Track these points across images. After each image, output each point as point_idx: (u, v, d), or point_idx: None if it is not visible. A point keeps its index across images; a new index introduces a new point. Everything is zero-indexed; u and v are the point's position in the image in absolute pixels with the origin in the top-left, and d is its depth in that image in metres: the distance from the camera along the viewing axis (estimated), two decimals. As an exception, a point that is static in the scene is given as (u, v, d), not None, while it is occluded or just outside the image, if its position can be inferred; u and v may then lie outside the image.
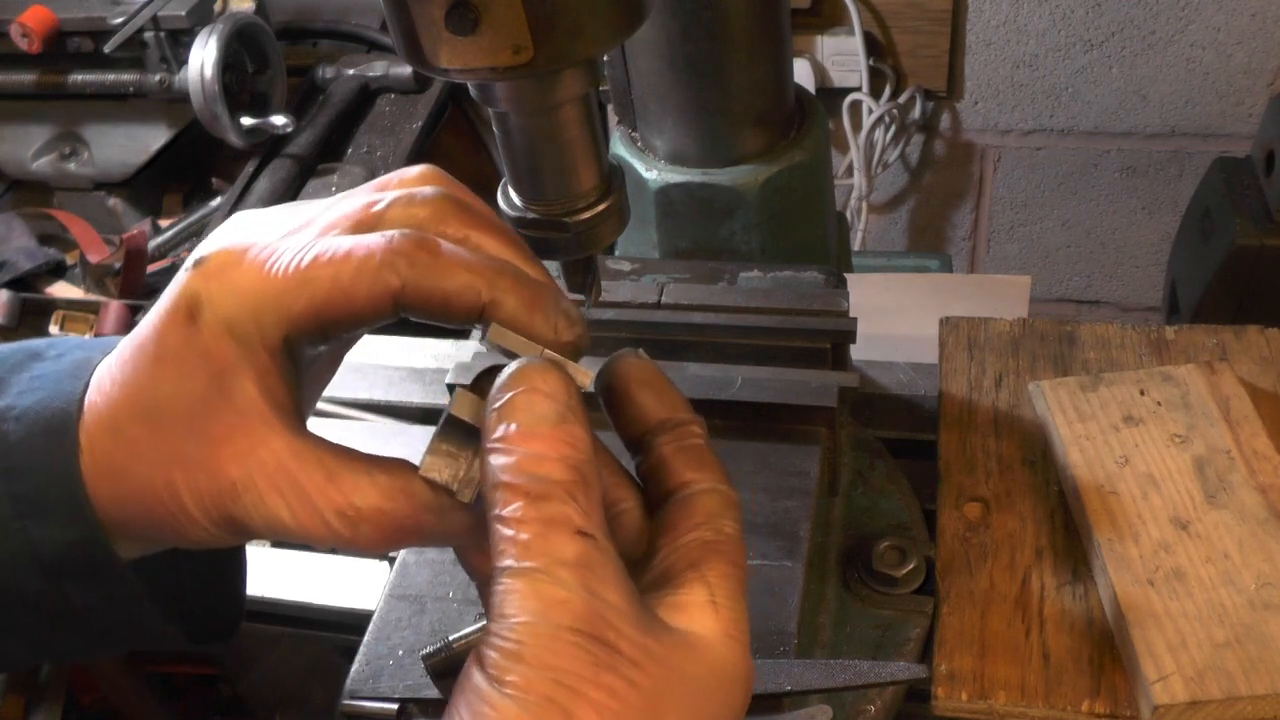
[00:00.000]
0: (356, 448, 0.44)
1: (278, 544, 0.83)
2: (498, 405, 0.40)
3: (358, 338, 0.49)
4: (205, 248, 0.44)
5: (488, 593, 0.41)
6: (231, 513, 0.42)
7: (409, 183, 0.45)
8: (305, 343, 0.43)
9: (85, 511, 0.43)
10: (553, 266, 0.56)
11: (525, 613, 0.37)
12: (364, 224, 0.43)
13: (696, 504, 0.43)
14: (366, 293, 0.41)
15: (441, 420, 0.43)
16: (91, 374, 0.45)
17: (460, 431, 0.43)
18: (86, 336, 1.19)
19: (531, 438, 0.39)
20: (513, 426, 0.39)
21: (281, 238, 0.43)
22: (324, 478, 0.42)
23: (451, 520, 0.43)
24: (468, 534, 0.44)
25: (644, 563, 0.43)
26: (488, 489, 0.39)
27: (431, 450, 0.43)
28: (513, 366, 0.41)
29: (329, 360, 0.50)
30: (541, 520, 0.38)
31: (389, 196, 0.44)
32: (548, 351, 0.42)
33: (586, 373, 0.43)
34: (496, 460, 0.39)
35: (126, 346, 0.44)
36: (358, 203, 0.44)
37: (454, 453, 0.43)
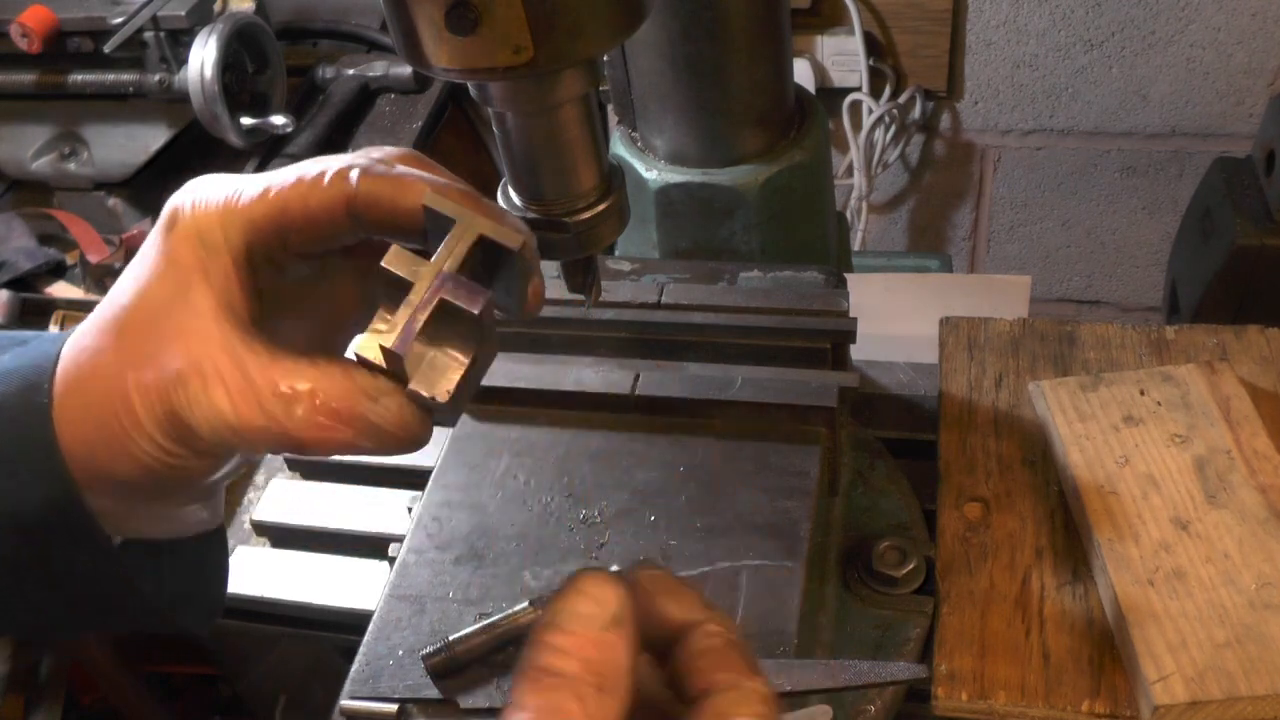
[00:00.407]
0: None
1: (278, 544, 0.83)
2: (551, 605, 0.40)
3: (330, 270, 0.50)
4: (192, 181, 0.47)
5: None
6: (173, 407, 0.43)
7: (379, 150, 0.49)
8: (269, 251, 0.46)
9: (55, 461, 0.44)
10: (553, 266, 0.56)
11: None
12: (330, 162, 0.46)
13: (713, 706, 0.41)
14: (322, 198, 0.44)
15: (380, 288, 0.43)
16: (68, 338, 0.47)
17: (393, 296, 0.42)
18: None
19: (564, 636, 0.39)
20: (553, 624, 0.39)
21: (259, 173, 0.47)
22: (267, 360, 0.43)
23: (388, 405, 0.43)
24: (404, 423, 0.44)
25: None
26: (514, 676, 0.39)
27: (367, 331, 0.43)
28: (574, 578, 0.41)
29: (302, 289, 0.51)
30: (537, 708, 0.37)
31: (355, 154, 0.48)
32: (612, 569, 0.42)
33: (467, 213, 0.44)
34: (529, 652, 0.39)
35: (110, 293, 0.47)
36: (328, 158, 0.47)
37: (386, 325, 0.42)
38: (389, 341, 0.42)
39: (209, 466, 0.47)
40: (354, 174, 0.44)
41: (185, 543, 0.52)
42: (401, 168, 0.45)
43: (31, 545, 0.46)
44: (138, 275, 0.46)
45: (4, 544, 0.45)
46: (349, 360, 0.44)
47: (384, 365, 0.43)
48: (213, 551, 0.55)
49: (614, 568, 0.44)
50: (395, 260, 0.43)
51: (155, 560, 0.51)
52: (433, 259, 0.43)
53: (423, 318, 0.42)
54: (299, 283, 0.49)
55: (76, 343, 0.46)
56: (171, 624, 0.51)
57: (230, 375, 0.43)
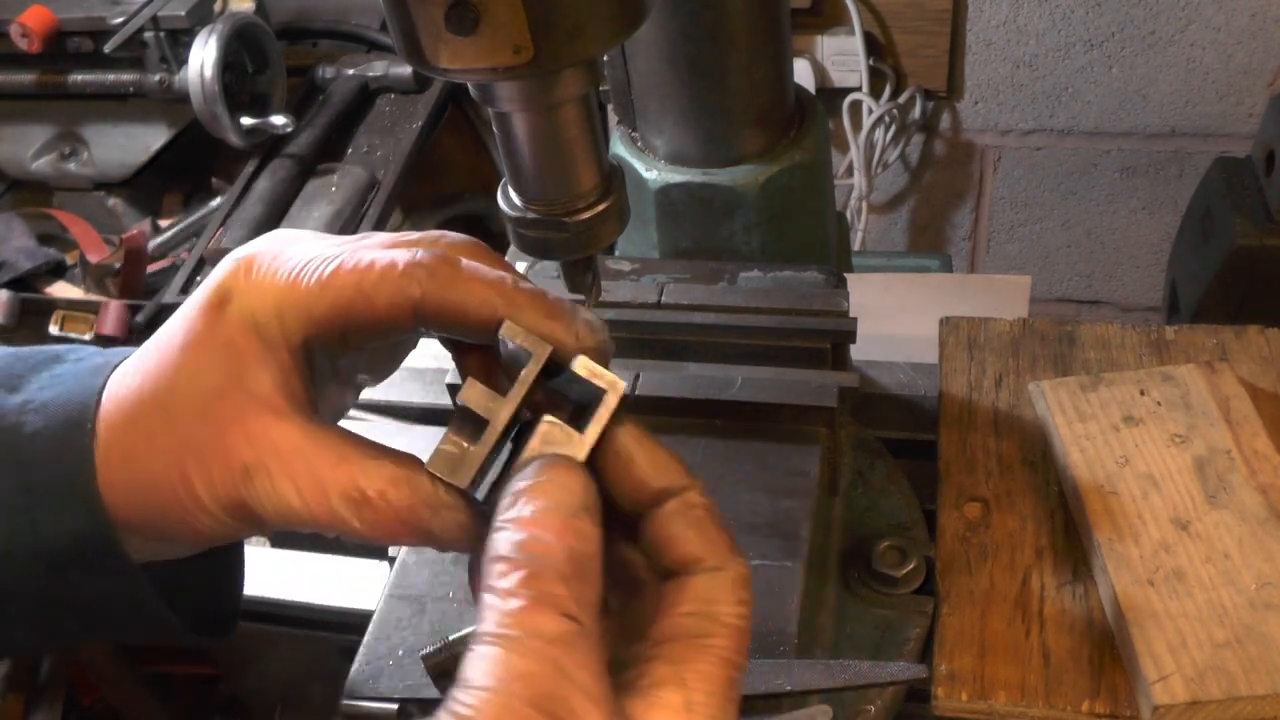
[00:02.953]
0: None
1: (278, 544, 0.83)
2: (516, 488, 0.41)
3: (386, 367, 0.51)
4: (245, 247, 0.46)
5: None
6: (242, 497, 0.43)
7: (439, 234, 0.48)
8: (327, 346, 0.45)
9: (94, 503, 0.44)
10: (552, 266, 0.56)
11: (487, 680, 0.36)
12: (393, 246, 0.45)
13: (692, 589, 0.41)
14: (387, 300, 0.43)
15: (454, 414, 0.44)
16: (112, 371, 0.46)
17: (469, 425, 0.43)
18: (81, 337, 1.19)
19: (541, 524, 0.39)
20: (526, 510, 0.40)
21: (316, 248, 0.45)
22: (335, 459, 0.43)
23: (448, 519, 0.44)
24: (464, 536, 0.44)
25: (634, 649, 0.41)
26: (487, 561, 0.39)
27: (439, 447, 0.44)
28: (538, 461, 0.42)
29: (354, 384, 0.52)
30: (529, 595, 0.37)
31: (420, 234, 0.47)
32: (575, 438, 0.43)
33: (619, 380, 0.43)
34: (502, 535, 0.39)
35: (153, 340, 0.46)
36: (390, 235, 0.47)
37: (459, 449, 0.44)
38: (462, 480, 0.44)
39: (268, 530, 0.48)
40: (420, 276, 0.43)
41: (206, 556, 0.52)
42: (468, 266, 0.44)
43: (58, 575, 0.46)
44: (187, 353, 0.44)
45: (31, 574, 0.45)
46: (413, 462, 0.44)
47: (449, 481, 0.44)
48: (233, 560, 0.55)
49: (576, 361, 0.44)
50: (471, 395, 0.43)
51: (177, 577, 0.51)
52: (508, 396, 0.43)
53: (493, 456, 0.44)
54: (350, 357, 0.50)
55: (123, 399, 0.45)
56: (192, 636, 0.51)
57: (300, 472, 0.43)
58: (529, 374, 0.43)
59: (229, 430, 0.43)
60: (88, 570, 0.46)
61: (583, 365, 0.43)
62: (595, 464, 0.43)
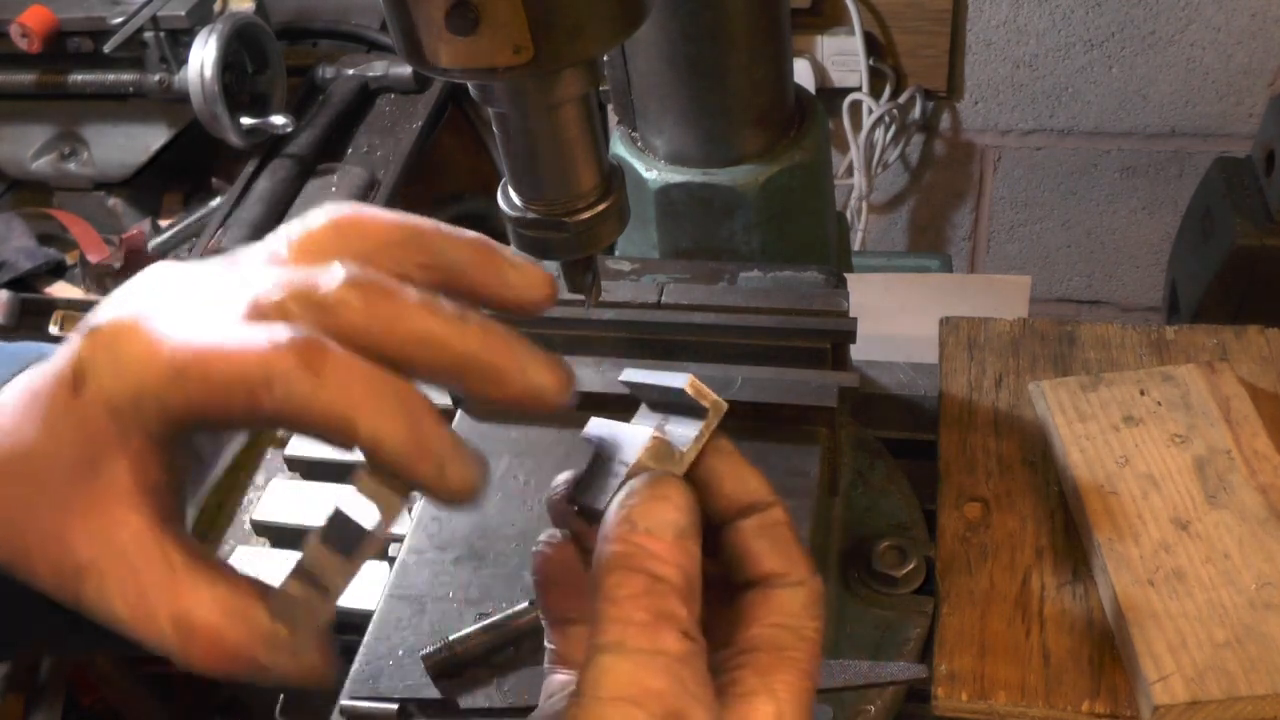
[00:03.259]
0: (336, 516, 0.41)
1: (278, 543, 0.83)
2: (628, 506, 0.40)
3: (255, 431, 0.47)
4: (104, 311, 0.42)
5: (557, 635, 0.42)
6: (78, 595, 0.40)
7: (311, 244, 0.42)
8: (189, 434, 0.41)
9: None
10: (553, 266, 0.56)
11: (620, 692, 0.36)
12: (264, 309, 0.39)
13: (776, 603, 0.42)
14: (240, 406, 0.38)
15: (302, 554, 0.41)
16: None
17: (310, 577, 0.41)
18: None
19: (655, 540, 0.39)
20: (639, 526, 0.40)
21: (178, 312, 0.40)
22: (165, 573, 0.39)
23: (285, 659, 0.40)
24: (302, 679, 0.41)
25: (718, 655, 0.42)
26: (601, 572, 0.39)
27: (282, 584, 0.41)
28: (646, 476, 0.41)
29: (221, 445, 0.48)
30: (654, 610, 0.38)
31: (296, 279, 0.40)
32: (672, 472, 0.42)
33: (722, 402, 0.43)
34: (618, 548, 0.39)
35: (25, 391, 0.42)
36: (269, 278, 0.40)
37: (304, 591, 0.41)
38: (301, 646, 0.41)
39: None
40: (276, 385, 0.37)
41: None
42: (336, 363, 0.37)
43: None
44: (44, 428, 0.41)
45: None
46: (254, 590, 0.41)
47: (292, 616, 0.41)
48: None
49: (681, 378, 0.44)
50: (312, 559, 0.40)
51: None
52: (350, 560, 0.40)
53: (325, 615, 0.41)
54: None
55: None
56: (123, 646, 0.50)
57: (130, 584, 0.39)
58: (378, 531, 0.40)
59: (74, 521, 0.40)
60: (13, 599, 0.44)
61: (691, 385, 0.43)
62: (687, 475, 0.44)
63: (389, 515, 0.40)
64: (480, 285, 0.43)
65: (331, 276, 0.39)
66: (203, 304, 0.41)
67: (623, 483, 0.42)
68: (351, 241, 0.42)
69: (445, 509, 0.42)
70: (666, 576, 0.39)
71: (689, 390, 0.43)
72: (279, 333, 0.38)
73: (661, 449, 0.42)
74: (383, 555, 0.76)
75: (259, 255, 0.43)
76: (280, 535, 0.82)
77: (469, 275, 0.43)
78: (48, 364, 0.42)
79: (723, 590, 0.43)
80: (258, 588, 0.41)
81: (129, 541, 0.40)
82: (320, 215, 0.43)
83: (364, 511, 0.40)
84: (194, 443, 0.43)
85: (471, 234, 0.43)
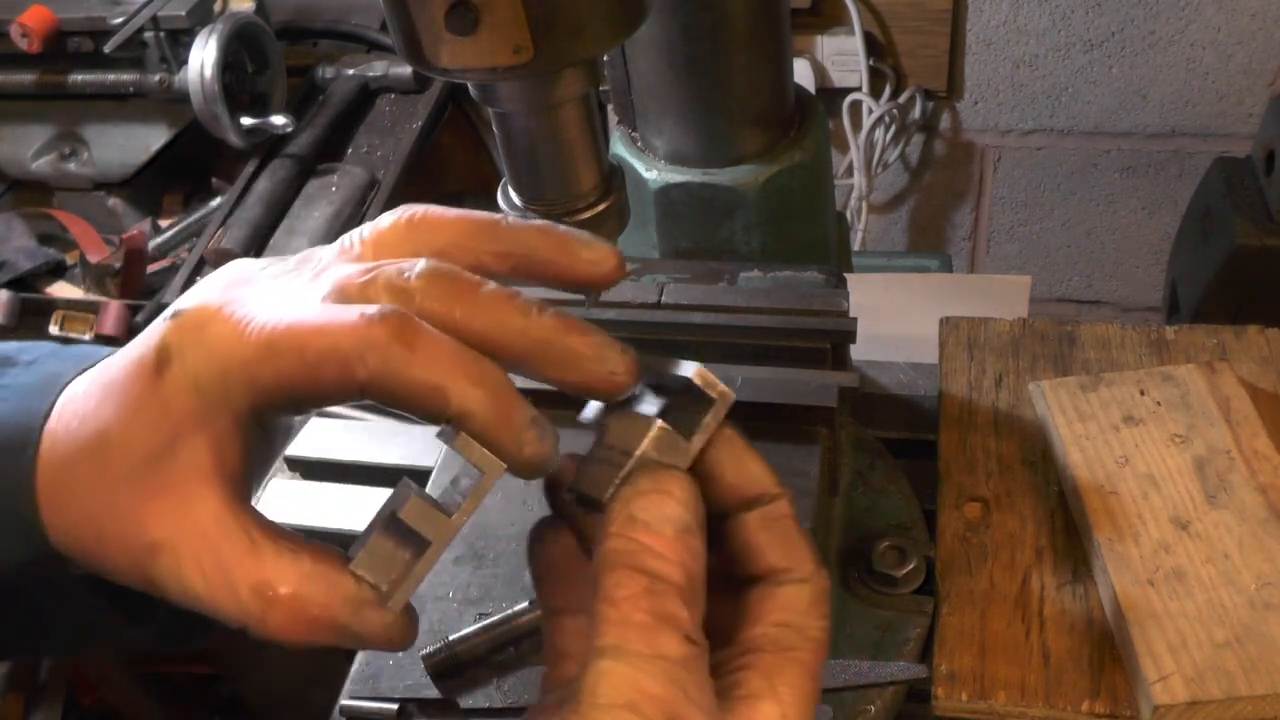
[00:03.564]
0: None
1: (308, 476, 0.83)
2: (629, 499, 0.40)
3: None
4: (187, 299, 0.43)
5: (553, 626, 0.41)
6: (149, 573, 0.41)
7: (385, 241, 0.43)
8: (275, 412, 0.42)
9: (36, 535, 0.42)
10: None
11: (618, 698, 0.36)
12: (349, 292, 0.41)
13: (780, 600, 0.41)
14: (333, 377, 0.39)
15: (383, 516, 0.41)
16: (59, 393, 0.44)
17: (401, 534, 0.41)
18: (81, 337, 1.19)
19: (657, 537, 0.39)
20: (642, 522, 0.39)
21: (263, 297, 0.42)
22: (246, 548, 0.40)
23: (370, 621, 0.41)
24: (385, 639, 0.41)
25: (720, 654, 0.41)
26: (602, 571, 0.39)
27: (366, 545, 0.41)
28: (650, 469, 0.40)
29: (297, 426, 0.48)
30: (654, 612, 0.37)
31: (379, 268, 0.41)
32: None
33: (730, 392, 0.42)
34: (619, 546, 0.39)
35: (97, 381, 0.43)
36: (348, 270, 0.42)
37: (390, 553, 0.41)
38: (390, 586, 0.40)
39: None
40: (369, 356, 0.38)
41: None
42: (428, 340, 0.39)
43: (10, 597, 0.45)
44: (124, 410, 0.42)
45: None
46: (333, 557, 0.41)
47: (378, 586, 0.41)
48: None
49: (689, 367, 0.43)
50: (411, 513, 0.40)
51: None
52: (454, 516, 0.41)
53: (423, 573, 0.41)
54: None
55: (62, 440, 0.42)
56: (166, 642, 0.50)
57: (209, 559, 0.40)
58: (481, 490, 0.40)
59: (149, 501, 0.41)
60: (38, 592, 0.44)
61: (698, 374, 0.42)
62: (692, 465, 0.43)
63: (491, 475, 0.40)
64: (554, 265, 0.44)
65: (412, 266, 0.41)
66: (286, 289, 0.42)
67: (625, 474, 0.41)
68: (425, 236, 0.43)
69: (521, 477, 0.42)
70: (668, 576, 0.38)
71: (696, 380, 0.42)
72: (370, 309, 0.39)
73: (666, 440, 0.41)
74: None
75: (332, 252, 0.44)
76: (310, 468, 0.82)
77: (542, 257, 0.44)
78: (125, 352, 0.43)
79: (727, 584, 0.42)
80: (340, 556, 0.41)
81: (208, 519, 0.41)
82: (391, 215, 0.44)
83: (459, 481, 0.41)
84: (270, 424, 0.44)
85: (537, 220, 0.45)
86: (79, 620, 0.47)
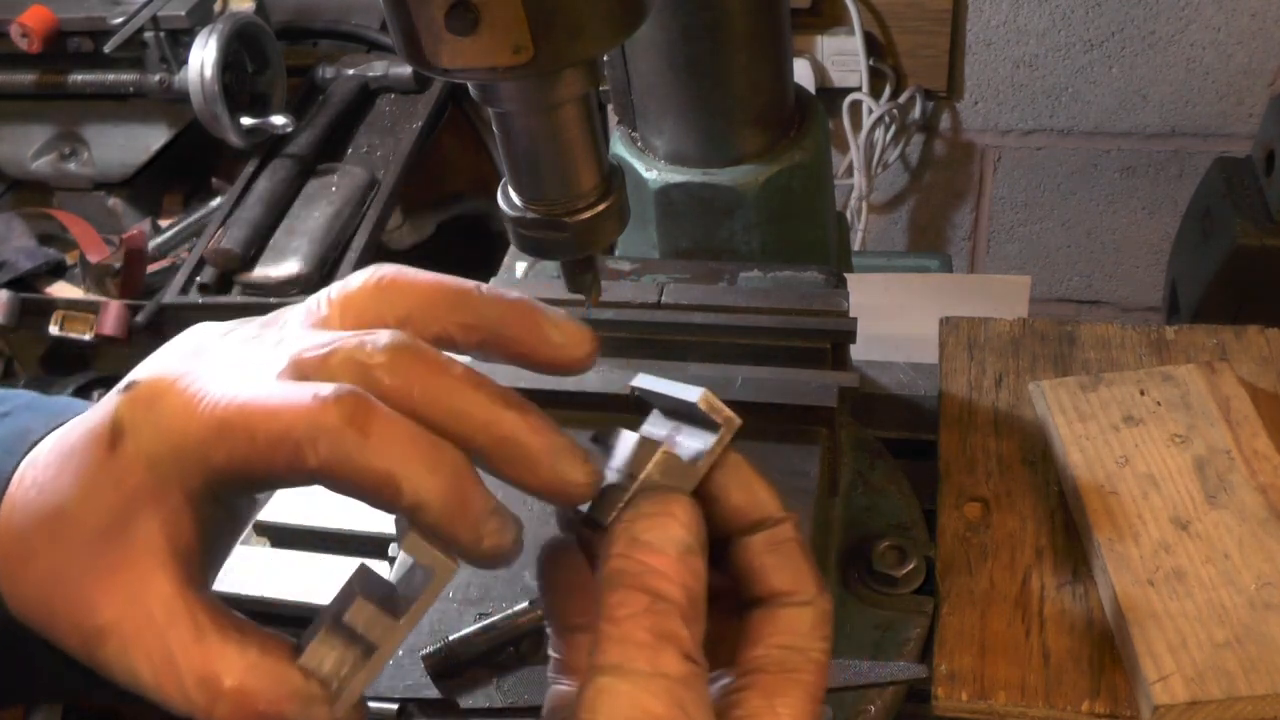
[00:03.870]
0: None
1: (278, 544, 0.83)
2: (632, 521, 0.40)
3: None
4: (143, 369, 0.42)
5: (562, 643, 0.41)
6: (96, 657, 0.40)
7: (352, 305, 0.42)
8: (229, 492, 0.41)
9: None
10: (553, 266, 0.56)
11: (618, 716, 0.36)
12: (306, 368, 0.39)
13: (782, 622, 0.41)
14: (284, 462, 0.37)
15: (332, 611, 0.40)
16: (27, 451, 0.43)
17: (350, 634, 0.40)
18: (81, 337, 1.18)
19: (659, 557, 0.39)
20: (643, 543, 0.39)
21: (219, 370, 0.40)
22: (193, 637, 0.39)
23: (319, 715, 0.40)
24: None
25: (722, 674, 0.41)
26: (604, 590, 0.39)
27: (315, 638, 0.40)
28: (653, 492, 0.40)
29: (256, 504, 0.47)
30: (655, 631, 0.37)
31: (340, 341, 0.40)
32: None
33: (736, 419, 0.42)
34: (621, 566, 0.39)
35: (57, 448, 0.42)
36: (308, 340, 0.40)
37: (341, 648, 0.40)
38: (343, 701, 0.40)
39: None
40: (321, 442, 0.37)
41: None
42: (382, 425, 0.37)
43: None
44: (79, 483, 0.40)
45: None
46: (282, 648, 0.40)
47: (327, 683, 0.40)
48: None
49: (695, 392, 0.42)
50: (357, 616, 0.39)
51: None
52: (400, 622, 0.40)
53: (373, 675, 0.40)
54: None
55: (20, 508, 0.41)
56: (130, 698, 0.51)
57: (155, 645, 0.39)
58: (432, 591, 0.40)
59: (99, 581, 0.40)
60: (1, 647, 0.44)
61: (704, 399, 0.42)
62: (696, 488, 0.43)
63: (442, 576, 0.40)
64: (521, 343, 0.43)
65: (375, 340, 0.39)
66: (244, 362, 0.41)
67: (630, 497, 0.41)
68: (393, 301, 0.42)
69: (480, 568, 0.41)
70: (669, 595, 0.38)
71: (701, 405, 0.42)
72: (324, 390, 0.37)
73: (671, 464, 0.41)
74: (383, 555, 0.76)
75: (298, 316, 0.43)
76: (280, 535, 0.82)
77: (510, 333, 0.43)
78: (83, 420, 0.42)
79: (731, 606, 0.42)
80: (289, 647, 0.40)
81: (156, 603, 0.39)
82: (360, 276, 0.43)
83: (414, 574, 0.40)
84: (228, 501, 0.42)
85: (513, 293, 0.43)
86: (41, 678, 0.47)
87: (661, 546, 0.39)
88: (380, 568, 0.77)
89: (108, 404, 0.41)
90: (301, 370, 0.39)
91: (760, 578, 0.42)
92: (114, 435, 0.40)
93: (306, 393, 0.37)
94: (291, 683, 0.39)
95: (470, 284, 0.43)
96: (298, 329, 0.42)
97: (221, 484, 0.40)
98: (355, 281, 0.42)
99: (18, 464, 0.43)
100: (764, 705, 0.39)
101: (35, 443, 0.43)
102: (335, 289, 0.43)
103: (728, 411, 0.42)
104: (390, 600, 0.40)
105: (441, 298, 0.42)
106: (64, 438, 0.42)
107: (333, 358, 0.39)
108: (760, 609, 0.41)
